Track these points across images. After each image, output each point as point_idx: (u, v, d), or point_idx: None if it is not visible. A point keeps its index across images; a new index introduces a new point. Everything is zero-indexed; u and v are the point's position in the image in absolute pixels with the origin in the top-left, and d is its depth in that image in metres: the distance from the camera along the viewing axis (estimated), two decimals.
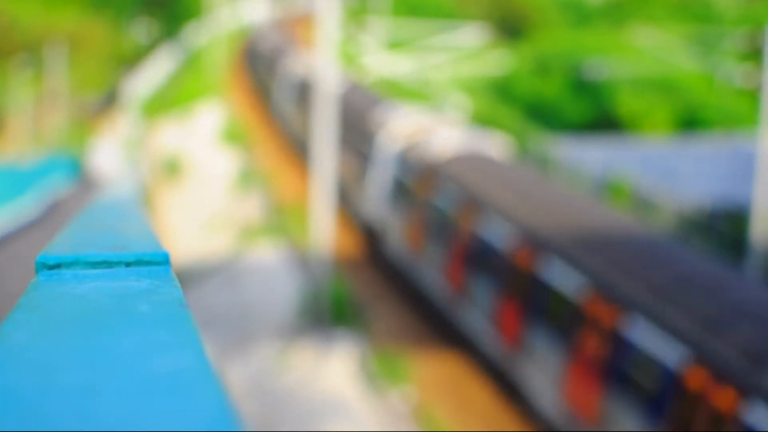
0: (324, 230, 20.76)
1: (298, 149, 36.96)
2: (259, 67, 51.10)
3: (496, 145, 23.44)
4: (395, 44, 62.21)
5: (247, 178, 34.85)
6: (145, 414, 0.92)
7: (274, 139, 42.16)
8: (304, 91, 35.19)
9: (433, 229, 21.05)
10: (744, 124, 45.12)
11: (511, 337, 16.55)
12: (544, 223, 16.88)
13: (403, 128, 24.50)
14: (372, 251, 25.80)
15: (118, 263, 1.54)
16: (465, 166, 21.22)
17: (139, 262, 1.55)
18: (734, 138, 43.39)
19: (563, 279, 15.15)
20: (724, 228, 27.27)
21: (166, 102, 51.87)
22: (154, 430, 0.88)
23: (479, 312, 18.08)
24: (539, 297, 15.76)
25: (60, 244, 1.70)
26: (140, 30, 70.23)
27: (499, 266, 17.40)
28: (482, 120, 42.81)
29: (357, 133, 26.81)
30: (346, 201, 27.68)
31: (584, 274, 14.62)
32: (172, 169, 36.44)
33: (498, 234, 17.81)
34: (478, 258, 18.44)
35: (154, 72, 60.60)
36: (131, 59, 64.66)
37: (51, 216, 28.47)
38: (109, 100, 59.54)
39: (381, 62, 56.08)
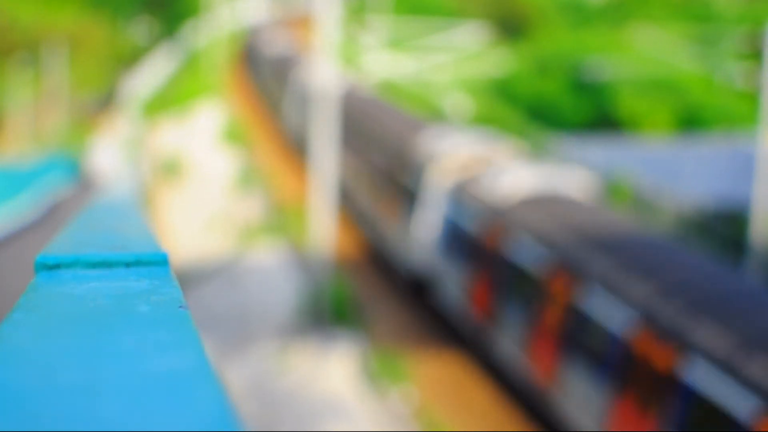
0: (324, 230, 20.75)
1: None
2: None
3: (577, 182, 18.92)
4: (395, 43, 62.19)
5: (247, 178, 34.85)
6: (145, 414, 0.92)
7: (272, 135, 42.17)
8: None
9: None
10: (744, 125, 45.11)
11: None
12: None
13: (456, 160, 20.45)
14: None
15: (117, 263, 1.54)
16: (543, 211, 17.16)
17: (138, 263, 1.55)
18: (734, 138, 43.35)
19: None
20: (724, 228, 27.26)
21: (166, 102, 51.84)
22: (154, 430, 0.88)
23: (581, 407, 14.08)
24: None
25: (59, 245, 1.70)
26: (139, 29, 70.19)
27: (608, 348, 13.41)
28: (483, 120, 42.81)
29: (395, 162, 23.54)
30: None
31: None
32: (172, 169, 36.42)
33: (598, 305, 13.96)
34: (575, 337, 14.49)
35: (154, 71, 60.56)
36: (130, 59, 64.65)
37: (50, 216, 28.47)
38: (108, 100, 59.51)
39: (381, 62, 56.04)
